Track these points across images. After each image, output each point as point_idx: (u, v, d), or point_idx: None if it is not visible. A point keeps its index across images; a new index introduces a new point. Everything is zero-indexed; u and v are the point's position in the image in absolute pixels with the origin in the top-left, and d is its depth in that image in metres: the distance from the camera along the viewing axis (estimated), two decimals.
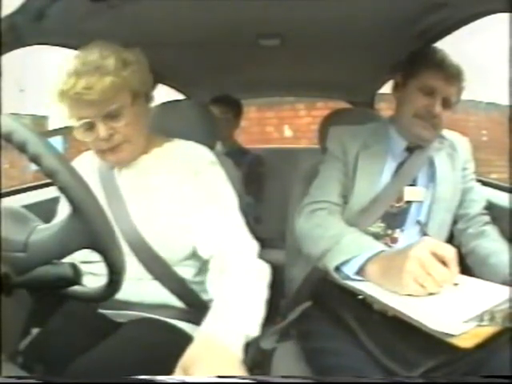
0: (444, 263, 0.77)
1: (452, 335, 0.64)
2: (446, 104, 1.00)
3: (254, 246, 0.87)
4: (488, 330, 0.66)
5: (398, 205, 1.04)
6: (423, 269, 0.76)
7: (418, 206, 1.06)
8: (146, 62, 0.91)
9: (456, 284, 0.79)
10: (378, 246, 0.90)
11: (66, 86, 0.80)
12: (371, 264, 0.85)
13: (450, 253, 0.78)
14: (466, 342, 0.64)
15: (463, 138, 1.16)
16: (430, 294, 0.76)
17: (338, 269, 0.89)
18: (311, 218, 1.02)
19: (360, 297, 0.82)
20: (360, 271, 0.86)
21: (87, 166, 0.99)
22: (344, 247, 0.90)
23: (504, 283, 0.82)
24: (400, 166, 1.06)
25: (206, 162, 0.95)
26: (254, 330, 0.69)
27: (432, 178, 1.07)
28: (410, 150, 1.07)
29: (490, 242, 1.01)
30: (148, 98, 0.95)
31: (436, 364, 0.68)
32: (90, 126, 0.85)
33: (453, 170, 1.09)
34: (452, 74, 0.99)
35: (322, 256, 0.93)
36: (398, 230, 1.04)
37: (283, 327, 0.96)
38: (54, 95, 0.83)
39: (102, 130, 0.84)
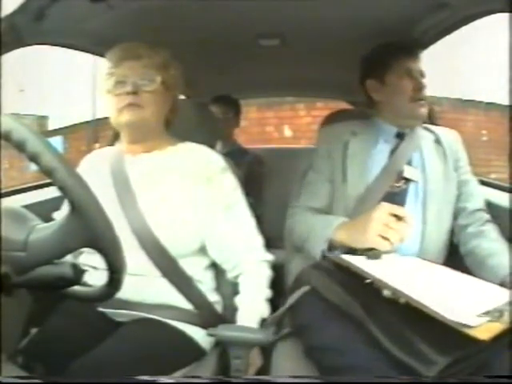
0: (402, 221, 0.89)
1: (469, 326, 0.62)
2: (422, 74, 1.09)
3: (261, 243, 0.99)
4: (499, 326, 0.64)
5: (398, 184, 1.07)
6: (385, 226, 0.88)
7: (415, 189, 1.08)
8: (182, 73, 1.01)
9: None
10: (341, 218, 1.01)
11: (124, 45, 0.94)
12: (338, 232, 0.97)
13: (405, 211, 0.91)
14: (483, 334, 0.61)
15: (451, 130, 1.20)
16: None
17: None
18: (294, 218, 1.13)
19: (368, 281, 0.78)
20: (331, 243, 0.97)
21: (99, 160, 1.03)
22: (317, 231, 1.00)
23: (502, 285, 0.82)
24: (393, 151, 1.11)
25: (218, 169, 0.98)
26: (266, 312, 0.94)
27: (422, 167, 1.10)
28: (401, 135, 1.12)
29: (489, 243, 1.01)
30: (173, 101, 1.00)
31: (454, 359, 0.65)
32: (123, 82, 0.90)
33: (441, 158, 1.11)
34: (410, 47, 1.11)
35: (302, 247, 1.04)
36: None
37: (281, 315, 0.94)
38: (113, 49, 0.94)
39: (130, 86, 0.90)
